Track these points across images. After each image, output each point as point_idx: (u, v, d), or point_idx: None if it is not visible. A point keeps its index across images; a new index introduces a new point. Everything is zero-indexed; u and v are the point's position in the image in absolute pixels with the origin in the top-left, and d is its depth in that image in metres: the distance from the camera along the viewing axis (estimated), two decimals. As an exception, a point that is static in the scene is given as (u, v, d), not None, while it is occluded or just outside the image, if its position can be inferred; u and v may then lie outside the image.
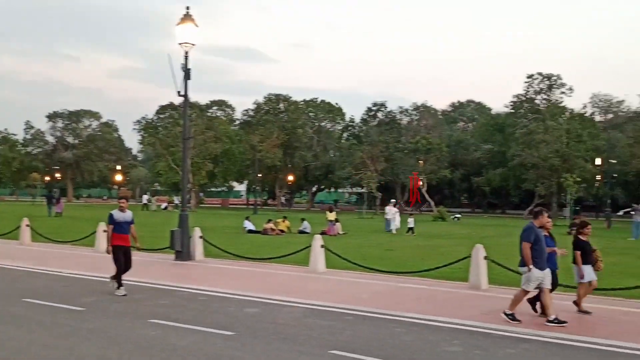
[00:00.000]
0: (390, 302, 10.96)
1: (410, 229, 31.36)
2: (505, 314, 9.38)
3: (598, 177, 57.41)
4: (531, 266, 9.22)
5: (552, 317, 9.19)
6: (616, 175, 59.32)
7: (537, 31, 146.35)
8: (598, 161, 53.30)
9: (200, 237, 17.75)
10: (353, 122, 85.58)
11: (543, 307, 9.56)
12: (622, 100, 79.80)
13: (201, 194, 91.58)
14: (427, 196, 69.31)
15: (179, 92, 17.21)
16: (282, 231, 29.77)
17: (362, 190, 72.77)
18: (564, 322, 9.09)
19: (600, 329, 9.04)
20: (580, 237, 10.30)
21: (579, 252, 10.13)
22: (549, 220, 10.10)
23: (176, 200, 68.27)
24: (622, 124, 70.71)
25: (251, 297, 11.24)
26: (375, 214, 58.11)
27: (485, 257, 12.94)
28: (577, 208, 59.27)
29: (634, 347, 7.91)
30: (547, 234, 9.98)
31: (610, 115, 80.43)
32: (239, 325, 8.82)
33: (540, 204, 65.06)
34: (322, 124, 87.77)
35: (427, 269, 14.21)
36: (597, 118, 78.59)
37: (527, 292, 9.44)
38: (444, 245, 24.14)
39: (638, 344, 8.06)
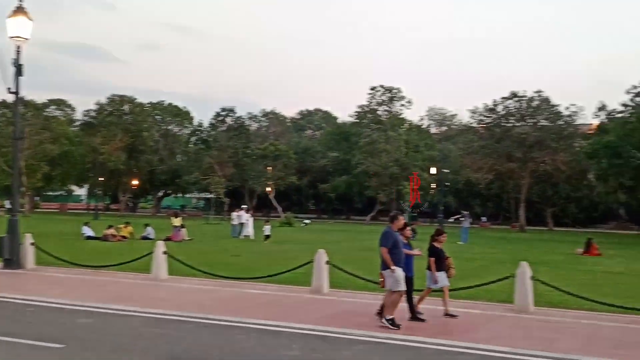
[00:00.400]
0: (233, 309, 10.92)
1: (267, 236, 31.03)
2: (386, 319, 9.52)
3: (433, 185, 61.15)
4: (393, 267, 9.50)
5: (388, 317, 9.61)
6: (449, 183, 63.54)
7: (379, 44, 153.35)
8: (433, 170, 56.75)
9: (32, 243, 16.62)
10: (201, 126, 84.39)
11: (382, 306, 9.91)
12: (455, 114, 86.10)
13: (37, 198, 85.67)
14: (274, 202, 69.99)
15: (9, 88, 16.04)
16: (124, 237, 28.66)
17: (210, 196, 71.95)
18: (399, 325, 9.52)
19: (430, 329, 9.58)
20: (435, 244, 10.77)
21: (433, 259, 10.60)
22: (407, 226, 10.48)
23: (7, 204, 63.25)
24: (455, 136, 75.91)
25: (86, 307, 10.69)
26: (222, 219, 57.68)
27: (327, 262, 13.30)
28: (414, 214, 62.74)
29: (458, 344, 8.51)
30: (405, 241, 10.32)
31: (444, 128, 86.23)
32: (70, 337, 8.35)
33: (381, 210, 68.25)
34: (170, 127, 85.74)
35: (272, 275, 14.31)
36: (433, 130, 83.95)
37: (401, 293, 9.67)
38: (289, 251, 24.47)
39: (462, 341, 8.69)
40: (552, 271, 18.34)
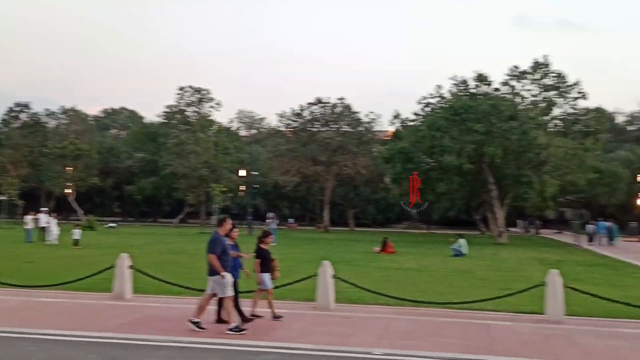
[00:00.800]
0: (23, 319, 10.14)
1: (76, 240, 28.54)
2: (230, 329, 9.32)
3: (242, 188, 61.64)
4: (223, 273, 9.40)
5: (232, 326, 9.49)
6: (257, 186, 64.43)
7: (188, 45, 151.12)
8: (242, 172, 57.22)
9: None
10: (-8, 123, 76.99)
11: (198, 310, 9.74)
12: (264, 118, 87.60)
13: None
14: (75, 204, 66.02)
15: None
16: None
17: (2, 198, 65.89)
18: (244, 329, 9.44)
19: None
20: (262, 246, 10.79)
21: (259, 261, 10.60)
22: (236, 229, 10.42)
23: None
24: (264, 139, 77.16)
25: None
26: (16, 223, 53.13)
27: (131, 266, 12.84)
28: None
29: (262, 344, 8.68)
30: (232, 243, 10.25)
31: (253, 131, 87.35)
32: None
33: (190, 213, 67.32)
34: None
35: (69, 281, 13.49)
36: (242, 132, 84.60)
37: (231, 298, 9.57)
38: (91, 255, 23.23)
39: (266, 341, 8.89)
40: (352, 269, 19.40)
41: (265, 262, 10.69)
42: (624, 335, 10.07)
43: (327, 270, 12.12)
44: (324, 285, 12.01)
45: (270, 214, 38.46)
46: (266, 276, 10.68)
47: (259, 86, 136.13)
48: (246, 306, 10.81)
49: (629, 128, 69.66)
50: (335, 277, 12.27)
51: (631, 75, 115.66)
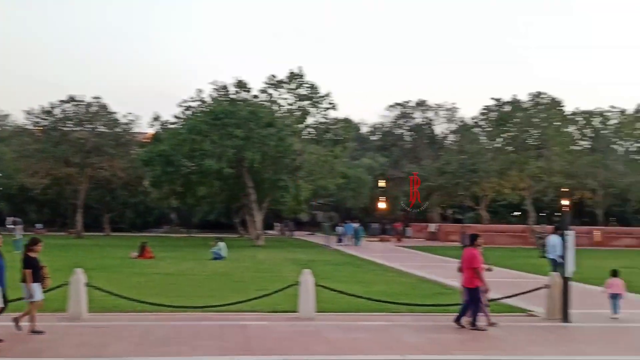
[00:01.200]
0: None
1: None
2: None
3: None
4: None
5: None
6: (1, 188, 58.77)
7: None
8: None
9: None
10: None
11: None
12: (9, 115, 79.81)
13: None
14: None
15: None
16: None
17: None
18: None
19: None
20: (30, 254, 10.00)
21: (29, 271, 9.81)
22: None
23: None
24: (8, 137, 70.49)
25: None
26: None
27: None
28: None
29: None
30: None
31: (-2, 128, 79.21)
32: None
33: None
34: None
35: None
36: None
37: None
38: None
39: (6, 357, 8.21)
40: (108, 276, 18.67)
41: (35, 271, 10.05)
42: (365, 328, 11.10)
43: (79, 278, 11.57)
44: (75, 294, 11.44)
45: (12, 219, 35.21)
46: (37, 286, 10.04)
47: (5, 81, 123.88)
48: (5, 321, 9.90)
49: (372, 138, 76.58)
50: (88, 285, 11.74)
51: (360, 89, 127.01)
